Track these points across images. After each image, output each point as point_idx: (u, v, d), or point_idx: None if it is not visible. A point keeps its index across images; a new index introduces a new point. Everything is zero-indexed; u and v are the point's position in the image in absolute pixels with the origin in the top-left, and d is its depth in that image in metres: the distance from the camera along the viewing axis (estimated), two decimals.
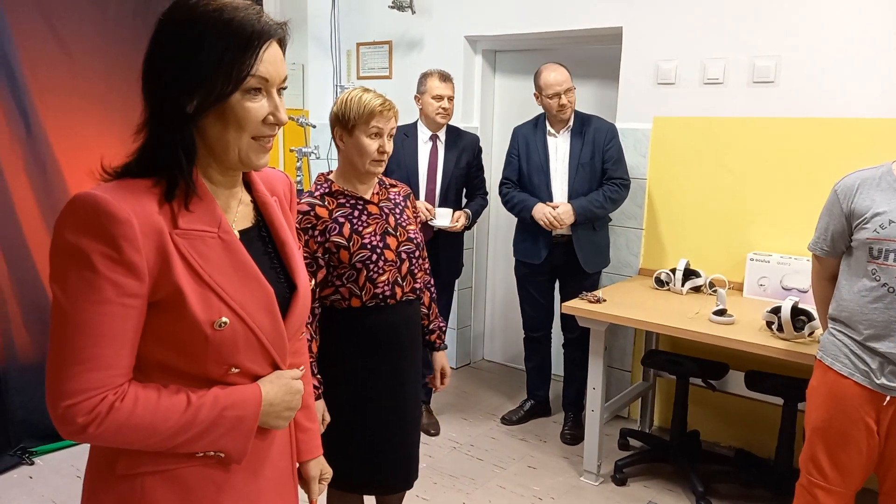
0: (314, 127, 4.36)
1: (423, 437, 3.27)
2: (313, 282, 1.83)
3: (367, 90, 1.91)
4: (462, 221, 3.27)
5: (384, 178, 2.02)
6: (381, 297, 1.88)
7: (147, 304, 0.99)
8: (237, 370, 1.07)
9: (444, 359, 2.16)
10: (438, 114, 3.26)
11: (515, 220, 3.43)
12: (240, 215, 1.14)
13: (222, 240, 1.06)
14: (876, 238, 1.86)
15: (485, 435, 3.43)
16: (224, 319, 1.03)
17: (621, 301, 2.94)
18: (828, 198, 2.03)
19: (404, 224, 1.96)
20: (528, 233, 3.31)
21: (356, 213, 1.89)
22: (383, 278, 1.88)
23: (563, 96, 3.14)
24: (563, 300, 3.19)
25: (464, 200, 3.46)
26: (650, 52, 3.34)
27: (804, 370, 2.19)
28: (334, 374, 1.92)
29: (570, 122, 3.25)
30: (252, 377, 1.10)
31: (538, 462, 3.17)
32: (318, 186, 1.93)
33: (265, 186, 1.22)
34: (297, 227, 1.75)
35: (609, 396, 3.13)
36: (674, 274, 3.15)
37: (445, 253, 3.35)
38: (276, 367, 1.13)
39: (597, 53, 3.78)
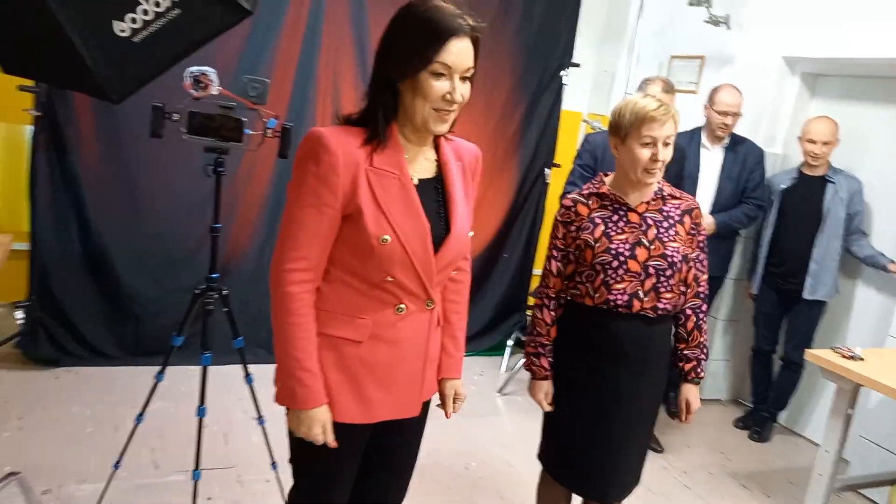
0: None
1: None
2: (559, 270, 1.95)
3: (646, 96, 1.88)
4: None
5: (667, 189, 1.96)
6: (612, 303, 1.86)
7: (341, 217, 1.37)
8: (392, 279, 1.39)
9: (691, 392, 2.01)
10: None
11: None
12: (424, 168, 1.45)
13: (400, 181, 1.38)
14: None
15: (700, 467, 3.28)
16: (386, 237, 1.35)
17: (886, 364, 2.57)
18: None
19: (665, 239, 1.88)
20: None
21: (615, 218, 1.89)
22: (620, 286, 1.85)
23: (730, 117, 3.47)
24: None
25: None
26: None
27: None
28: (557, 364, 1.98)
29: (726, 140, 3.58)
30: (403, 288, 1.41)
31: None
32: (590, 185, 1.97)
33: (455, 154, 1.51)
34: (557, 219, 1.97)
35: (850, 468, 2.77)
36: None
37: None
38: (424, 286, 1.42)
39: None
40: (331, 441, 1.43)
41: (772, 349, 3.73)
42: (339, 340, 1.43)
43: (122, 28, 1.78)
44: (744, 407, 4.02)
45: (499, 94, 4.20)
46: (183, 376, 3.13)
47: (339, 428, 1.45)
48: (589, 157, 3.28)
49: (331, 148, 1.33)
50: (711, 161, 3.59)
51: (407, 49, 1.32)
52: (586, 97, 4.98)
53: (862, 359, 2.59)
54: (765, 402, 3.77)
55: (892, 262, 3.34)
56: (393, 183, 1.38)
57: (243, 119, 2.05)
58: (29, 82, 3.02)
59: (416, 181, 1.42)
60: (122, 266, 3.39)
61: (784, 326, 3.66)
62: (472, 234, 1.53)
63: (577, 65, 4.42)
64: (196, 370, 3.27)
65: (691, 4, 4.04)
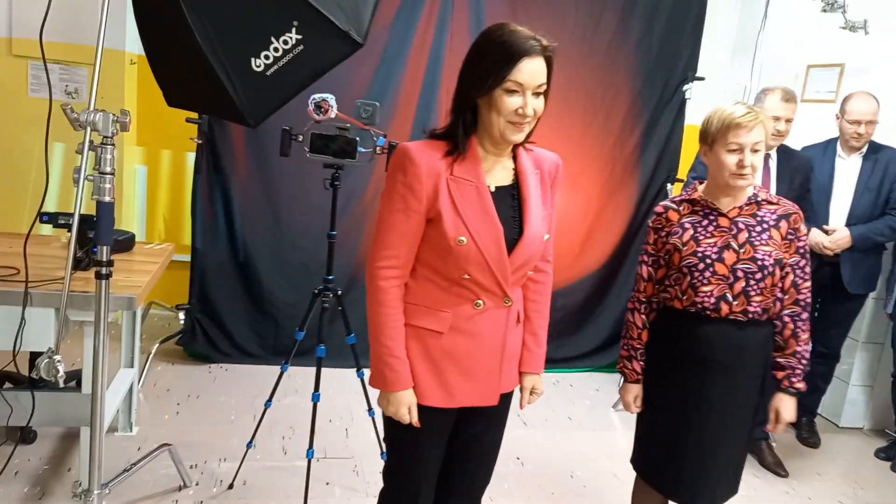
0: None
1: (764, 473, 3.22)
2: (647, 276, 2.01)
3: (738, 104, 1.90)
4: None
5: (763, 194, 1.96)
6: (700, 306, 1.89)
7: (426, 220, 1.54)
8: (468, 277, 1.54)
9: (783, 402, 1.97)
10: (773, 135, 3.01)
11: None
12: (501, 176, 1.59)
13: (477, 188, 1.53)
14: None
15: (828, 496, 3.08)
16: (462, 238, 1.50)
17: None
18: None
19: (756, 243, 1.89)
20: None
21: (704, 223, 1.92)
22: (707, 289, 1.87)
23: (864, 126, 3.28)
24: (821, 318, 3.44)
25: None
26: None
27: None
28: (649, 367, 2.03)
29: (863, 149, 3.39)
30: (480, 286, 1.55)
31: None
32: (683, 192, 2.04)
33: (535, 162, 1.64)
34: (648, 226, 2.06)
35: None
36: None
37: None
38: (499, 284, 1.56)
39: None
40: (415, 421, 1.59)
41: None
42: (423, 331, 1.59)
43: (257, 64, 2.09)
44: (889, 437, 3.70)
45: (618, 110, 4.23)
46: (310, 375, 3.44)
47: (424, 411, 1.61)
48: (703, 168, 3.23)
49: (415, 159, 1.51)
50: (847, 171, 3.40)
51: (484, 69, 1.48)
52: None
53: None
54: None
55: None
56: (470, 190, 1.53)
57: (356, 138, 2.30)
58: (194, 115, 3.52)
59: (492, 188, 1.57)
60: (265, 273, 3.80)
61: None
62: (548, 237, 1.64)
63: (701, 78, 4.35)
64: (325, 371, 3.61)
65: (824, 11, 3.86)
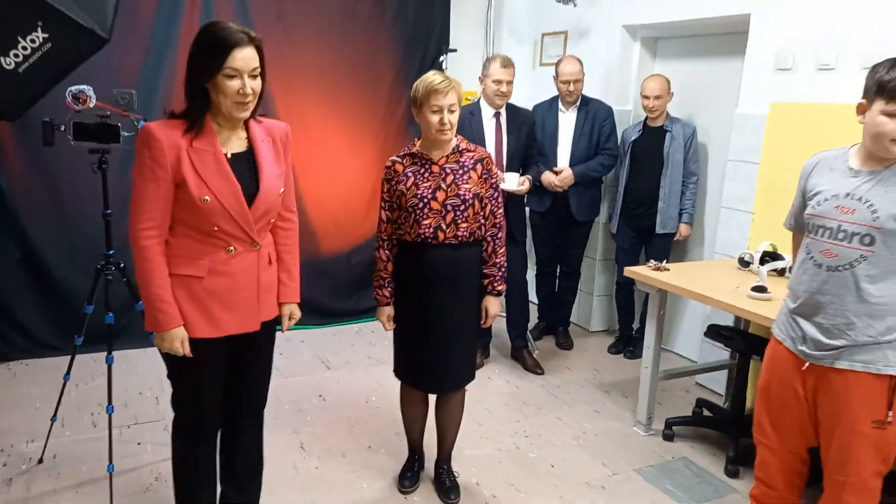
0: None
1: (526, 374, 3.93)
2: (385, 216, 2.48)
3: (437, 73, 2.39)
4: (527, 185, 3.69)
5: (463, 144, 2.46)
6: (423, 236, 2.39)
7: (174, 186, 1.86)
8: (217, 228, 1.89)
9: (490, 302, 2.56)
10: (497, 95, 3.71)
11: None
12: (236, 144, 1.95)
13: (215, 156, 1.88)
14: (812, 214, 2.00)
15: (572, 382, 3.86)
16: (206, 197, 1.85)
17: (685, 273, 3.15)
18: None
19: (459, 182, 2.40)
20: (536, 189, 4.01)
21: (422, 171, 2.41)
22: (426, 222, 2.37)
23: (572, 84, 4.02)
24: (562, 244, 4.34)
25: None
26: (773, 37, 3.38)
27: None
28: (395, 290, 2.53)
29: (577, 103, 4.14)
30: (229, 235, 1.91)
31: (603, 407, 3.55)
32: (405, 148, 2.51)
33: (266, 131, 2.02)
34: (383, 178, 2.50)
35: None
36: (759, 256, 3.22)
37: (511, 212, 3.75)
38: (245, 232, 1.93)
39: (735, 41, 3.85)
40: (188, 352, 1.94)
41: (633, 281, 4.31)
42: (186, 278, 1.93)
43: (7, 62, 2.25)
44: (614, 334, 4.59)
45: (383, 83, 4.70)
46: (122, 358, 3.60)
47: (196, 344, 1.95)
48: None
49: (157, 136, 1.83)
50: (567, 122, 4.16)
51: (205, 60, 1.82)
52: (474, 78, 5.50)
53: (668, 269, 3.18)
54: (631, 325, 4.38)
55: (689, 224, 4.02)
56: (209, 158, 1.88)
57: (118, 124, 2.53)
58: None
59: (229, 155, 1.92)
60: (54, 264, 3.84)
61: (642, 260, 4.24)
62: (283, 190, 2.03)
63: (454, 50, 4.93)
64: (133, 353, 3.77)
65: None
